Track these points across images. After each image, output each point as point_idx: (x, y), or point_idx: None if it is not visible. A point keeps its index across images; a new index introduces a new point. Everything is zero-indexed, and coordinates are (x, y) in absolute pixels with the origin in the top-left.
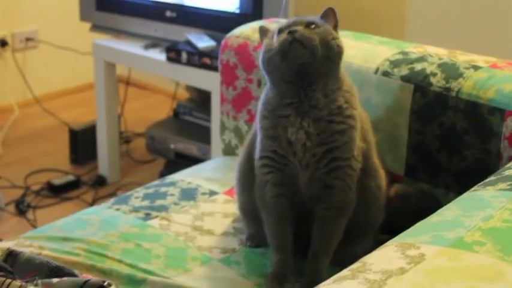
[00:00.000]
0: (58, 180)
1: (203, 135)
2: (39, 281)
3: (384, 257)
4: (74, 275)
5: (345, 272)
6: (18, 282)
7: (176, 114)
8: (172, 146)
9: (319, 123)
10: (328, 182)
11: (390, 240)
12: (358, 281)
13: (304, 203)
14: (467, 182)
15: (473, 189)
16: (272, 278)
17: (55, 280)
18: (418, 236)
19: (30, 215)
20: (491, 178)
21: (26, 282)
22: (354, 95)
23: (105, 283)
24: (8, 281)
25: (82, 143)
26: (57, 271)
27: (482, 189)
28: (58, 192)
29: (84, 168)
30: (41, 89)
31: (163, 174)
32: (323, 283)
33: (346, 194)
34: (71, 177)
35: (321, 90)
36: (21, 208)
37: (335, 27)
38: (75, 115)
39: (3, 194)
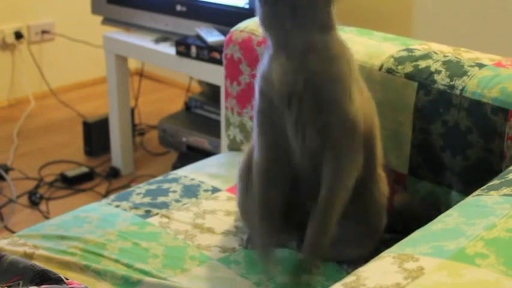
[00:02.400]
0: (71, 171)
1: (214, 128)
2: None
3: (380, 270)
4: (59, 280)
5: (337, 286)
6: None
7: (188, 107)
8: (184, 139)
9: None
10: (325, 134)
11: (388, 250)
12: None
13: (301, 172)
14: (471, 181)
15: (476, 193)
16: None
17: None
18: (418, 245)
19: (43, 206)
20: (495, 182)
21: (8, 287)
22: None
23: None
24: None
25: (96, 135)
26: (42, 275)
27: (485, 194)
28: (71, 183)
29: (98, 160)
30: (57, 81)
31: (176, 166)
32: None
33: (347, 146)
34: (84, 169)
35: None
36: (33, 200)
37: None
38: (91, 107)
39: (16, 185)
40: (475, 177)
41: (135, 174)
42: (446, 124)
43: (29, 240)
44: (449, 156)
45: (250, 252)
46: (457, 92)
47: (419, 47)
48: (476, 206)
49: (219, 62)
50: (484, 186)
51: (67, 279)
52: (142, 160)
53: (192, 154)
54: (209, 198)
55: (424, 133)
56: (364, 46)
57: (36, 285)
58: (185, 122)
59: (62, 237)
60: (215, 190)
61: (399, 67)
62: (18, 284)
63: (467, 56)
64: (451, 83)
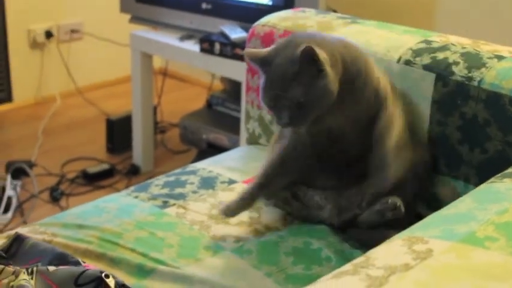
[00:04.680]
0: (93, 168)
1: (234, 125)
2: (35, 268)
3: (389, 252)
4: (77, 263)
5: (347, 266)
6: (11, 268)
7: (209, 105)
8: (204, 136)
9: None
10: None
11: (398, 234)
12: (359, 277)
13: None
14: (488, 175)
15: (490, 180)
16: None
17: (51, 268)
18: (428, 229)
19: (63, 202)
20: (510, 170)
21: (27, 268)
22: None
23: (103, 274)
24: (1, 267)
25: (118, 132)
26: (60, 258)
27: (499, 181)
28: (92, 180)
29: (119, 157)
30: (84, 80)
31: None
32: (322, 278)
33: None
34: (105, 166)
35: None
36: (55, 195)
37: (317, 63)
38: (116, 106)
39: (38, 181)
40: (493, 171)
41: (154, 172)
42: (464, 116)
43: (48, 229)
44: (467, 149)
45: (263, 242)
46: (475, 83)
47: (437, 39)
48: (490, 192)
49: (241, 58)
50: (499, 174)
51: (84, 262)
52: (162, 158)
53: (212, 151)
54: (225, 190)
55: (441, 125)
56: (384, 39)
57: (54, 266)
58: (206, 119)
59: (80, 226)
60: (232, 182)
61: (417, 59)
62: (37, 265)
63: (486, 48)
64: (469, 74)
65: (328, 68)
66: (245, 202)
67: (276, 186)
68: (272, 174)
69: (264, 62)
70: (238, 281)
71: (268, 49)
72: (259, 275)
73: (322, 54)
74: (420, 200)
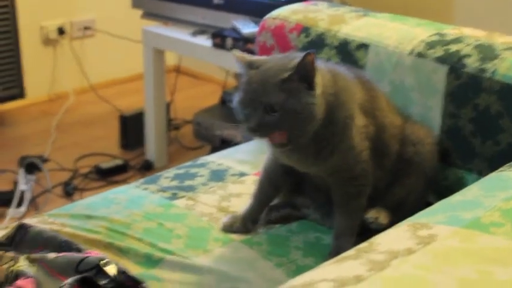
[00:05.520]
0: (106, 164)
1: None
2: (35, 256)
3: (393, 237)
4: (80, 250)
5: (349, 251)
6: (10, 254)
7: (223, 101)
8: (218, 132)
9: None
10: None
11: (404, 220)
12: (360, 261)
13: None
14: (500, 167)
15: (499, 169)
16: (240, 219)
17: (51, 256)
18: (433, 215)
19: (77, 197)
20: None
21: (27, 257)
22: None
23: (102, 262)
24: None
25: (132, 128)
26: (64, 246)
27: (508, 169)
28: (105, 175)
29: (133, 153)
30: (97, 77)
31: None
32: (325, 263)
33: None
34: (118, 162)
35: None
36: (68, 190)
37: (311, 78)
38: (129, 103)
39: (52, 176)
40: (506, 163)
41: (167, 167)
42: (476, 108)
43: (57, 219)
44: (480, 142)
45: (273, 234)
46: (488, 75)
47: (451, 31)
48: (498, 180)
49: (254, 53)
50: (508, 163)
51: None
52: (176, 154)
53: (225, 148)
54: (236, 182)
55: (453, 118)
56: (396, 31)
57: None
58: (220, 115)
59: (89, 217)
60: (242, 174)
61: (430, 51)
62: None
63: (500, 39)
64: (482, 66)
65: (319, 90)
66: (246, 223)
67: (271, 199)
68: (263, 188)
69: (251, 64)
70: (247, 271)
71: (261, 56)
72: (269, 265)
73: (319, 78)
74: (430, 189)
